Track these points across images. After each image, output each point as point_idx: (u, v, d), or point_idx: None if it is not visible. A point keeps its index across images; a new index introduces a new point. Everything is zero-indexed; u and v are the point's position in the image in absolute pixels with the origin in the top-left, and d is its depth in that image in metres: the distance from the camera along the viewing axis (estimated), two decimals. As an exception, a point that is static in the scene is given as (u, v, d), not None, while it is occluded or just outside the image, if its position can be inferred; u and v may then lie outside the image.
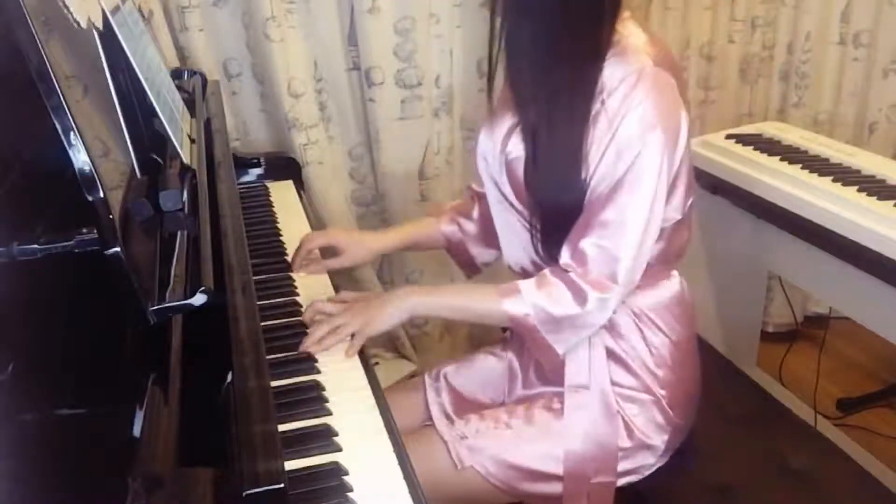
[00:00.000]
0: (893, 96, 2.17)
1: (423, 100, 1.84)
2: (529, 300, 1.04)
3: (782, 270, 1.85)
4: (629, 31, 1.05)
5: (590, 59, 1.03)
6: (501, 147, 1.12)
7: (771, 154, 1.63)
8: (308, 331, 1.09)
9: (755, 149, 1.66)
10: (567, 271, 1.04)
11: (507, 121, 1.12)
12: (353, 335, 1.08)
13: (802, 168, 1.55)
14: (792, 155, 1.61)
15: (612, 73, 1.02)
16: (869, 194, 1.41)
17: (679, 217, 1.11)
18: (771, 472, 1.18)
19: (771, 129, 1.78)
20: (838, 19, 2.09)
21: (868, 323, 1.53)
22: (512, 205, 1.14)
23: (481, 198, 1.31)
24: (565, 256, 1.05)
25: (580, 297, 1.02)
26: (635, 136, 1.00)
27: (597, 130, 1.02)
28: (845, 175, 1.50)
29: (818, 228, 1.44)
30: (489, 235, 1.31)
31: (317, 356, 1.06)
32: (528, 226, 1.13)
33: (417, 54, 1.79)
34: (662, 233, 1.09)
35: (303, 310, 1.16)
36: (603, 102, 1.02)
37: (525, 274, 1.20)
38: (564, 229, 1.06)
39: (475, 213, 1.33)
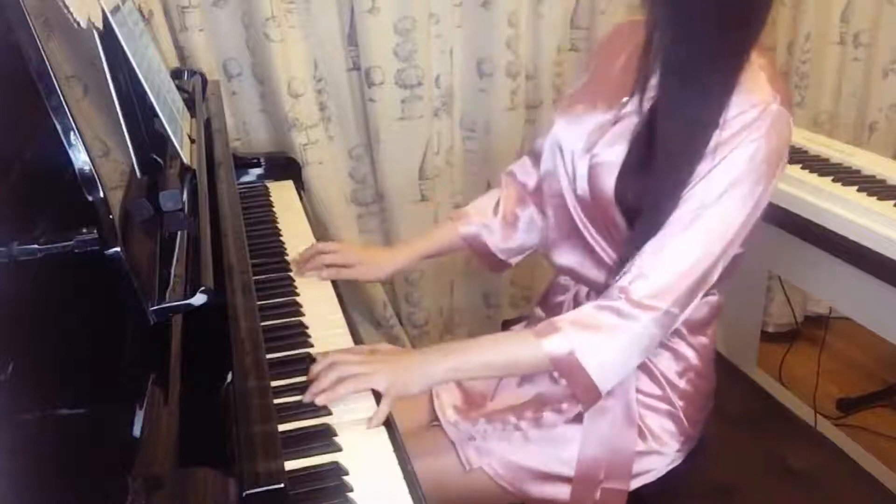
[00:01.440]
0: (893, 96, 2.17)
1: (423, 100, 1.84)
2: (573, 336, 0.97)
3: (782, 270, 1.85)
4: (759, 61, 0.99)
5: (730, 67, 0.97)
6: (587, 144, 1.06)
7: (771, 154, 1.63)
8: (313, 375, 0.97)
9: (755, 149, 1.66)
10: (615, 298, 0.98)
11: (597, 116, 1.07)
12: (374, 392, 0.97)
13: (802, 168, 1.55)
14: (792, 155, 1.61)
15: (737, 99, 0.96)
16: (869, 194, 1.41)
17: (741, 251, 1.05)
18: (771, 472, 1.18)
19: (771, 129, 1.78)
20: (838, 19, 2.09)
21: (868, 323, 1.53)
22: (572, 206, 1.10)
23: (513, 185, 1.28)
24: (626, 279, 0.98)
25: (628, 317, 0.96)
26: (736, 174, 0.94)
27: (710, 154, 0.96)
28: (845, 175, 1.50)
29: (818, 228, 1.44)
30: (510, 230, 1.27)
31: (317, 358, 1.01)
32: (585, 232, 1.09)
33: (417, 54, 1.79)
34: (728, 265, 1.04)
35: (306, 319, 1.14)
36: (729, 122, 0.96)
37: (569, 273, 1.18)
38: (640, 247, 1.00)
39: (497, 209, 1.28)
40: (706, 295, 1.10)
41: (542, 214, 1.24)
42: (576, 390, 1.00)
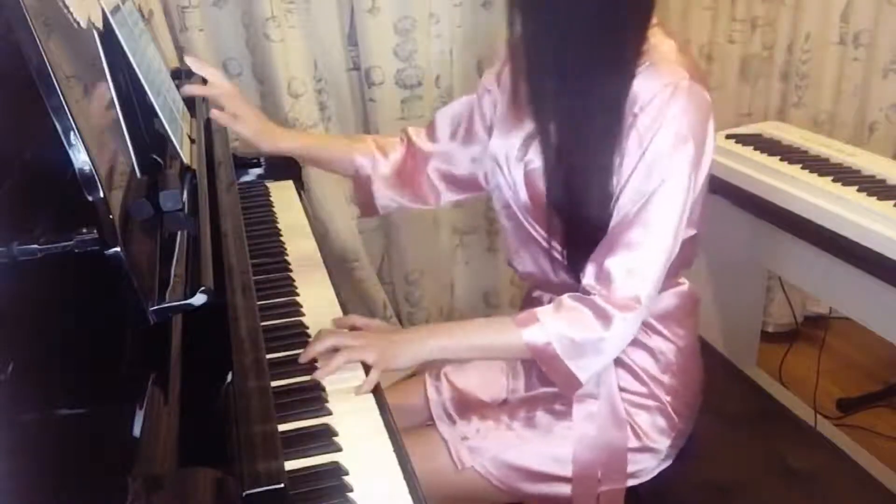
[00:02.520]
0: (893, 96, 2.17)
1: (423, 100, 1.84)
2: (551, 328, 1.00)
3: (782, 270, 1.85)
4: (659, 40, 1.01)
5: (620, 70, 0.98)
6: (520, 154, 1.09)
7: (771, 154, 1.63)
8: (310, 346, 1.02)
9: (755, 149, 1.66)
10: (589, 293, 1.01)
11: (527, 126, 1.09)
12: (363, 365, 1.01)
13: (802, 168, 1.55)
14: (792, 155, 1.61)
15: (646, 85, 0.97)
16: (869, 194, 1.41)
17: (694, 233, 1.09)
18: (771, 472, 1.18)
19: (771, 129, 1.78)
20: (838, 19, 2.09)
21: (868, 323, 1.53)
22: (522, 215, 1.12)
23: (411, 145, 1.27)
24: (589, 277, 1.01)
25: (605, 319, 0.99)
26: (666, 155, 0.96)
27: (628, 144, 0.98)
28: (845, 175, 1.50)
29: (818, 228, 1.44)
30: (400, 184, 1.26)
31: (320, 358, 1.03)
32: (539, 238, 1.11)
33: (417, 54, 1.79)
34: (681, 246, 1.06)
35: (306, 319, 1.14)
36: (635, 116, 0.97)
37: (531, 279, 1.20)
38: (590, 246, 1.03)
39: (396, 156, 1.27)
40: (673, 285, 1.13)
41: (429, 186, 1.26)
42: (555, 378, 1.03)
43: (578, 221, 1.04)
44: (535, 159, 1.07)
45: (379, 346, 1.01)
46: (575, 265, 1.07)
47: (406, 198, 1.27)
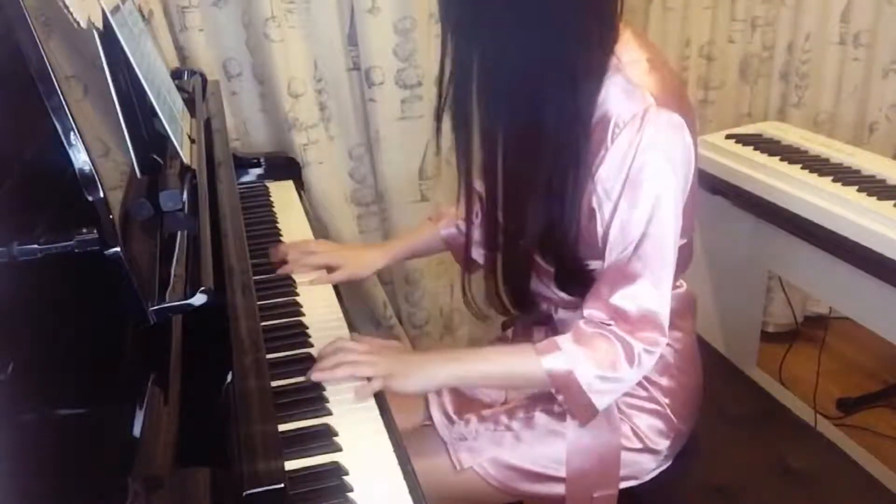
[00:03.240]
0: (893, 96, 2.17)
1: (423, 100, 1.84)
2: (573, 357, 0.98)
3: (782, 270, 1.85)
4: (628, 55, 0.96)
5: (582, 85, 0.93)
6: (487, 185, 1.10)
7: (771, 154, 1.63)
8: (319, 357, 1.02)
9: (755, 149, 1.66)
10: (607, 324, 0.99)
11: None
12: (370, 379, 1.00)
13: (802, 168, 1.55)
14: (792, 155, 1.61)
15: (620, 108, 0.93)
16: (869, 194, 1.41)
17: (686, 241, 1.09)
18: (771, 472, 1.18)
19: (771, 129, 1.78)
20: (838, 19, 2.09)
21: (868, 323, 1.53)
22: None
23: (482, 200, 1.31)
24: (601, 314, 0.99)
25: (632, 355, 0.97)
26: (649, 188, 0.93)
27: (604, 170, 0.95)
28: (845, 175, 1.50)
29: (818, 228, 1.44)
30: (489, 237, 1.30)
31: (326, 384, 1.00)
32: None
33: (417, 54, 1.79)
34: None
35: (306, 319, 1.14)
36: (607, 150, 0.94)
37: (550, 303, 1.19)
38: (582, 274, 1.03)
39: (476, 217, 1.29)
40: (672, 288, 1.12)
41: None
42: (572, 407, 1.02)
43: (571, 259, 1.03)
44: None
45: (389, 366, 1.00)
46: (570, 290, 1.08)
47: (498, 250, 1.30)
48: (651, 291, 0.97)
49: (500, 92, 0.98)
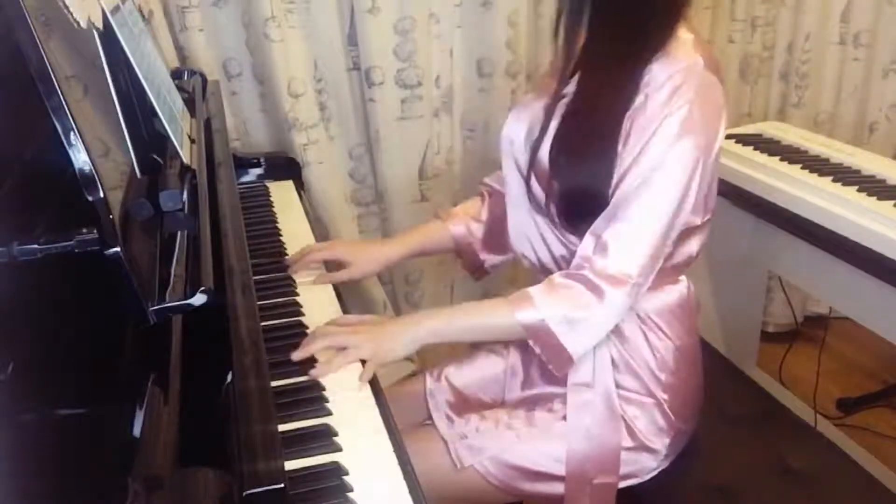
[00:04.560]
0: (893, 96, 2.17)
1: (423, 100, 1.84)
2: (543, 305, 1.02)
3: (782, 270, 1.85)
4: (680, 32, 1.05)
5: (642, 53, 1.02)
6: (530, 126, 1.11)
7: (771, 154, 1.63)
8: (305, 345, 1.04)
9: (755, 149, 1.66)
10: (582, 268, 1.02)
11: (543, 101, 1.11)
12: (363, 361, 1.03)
13: (802, 168, 1.55)
14: (792, 155, 1.61)
15: (660, 68, 1.00)
16: (869, 194, 1.41)
17: (697, 223, 1.10)
18: (771, 472, 1.18)
19: (771, 129, 1.78)
20: (838, 19, 2.09)
21: (868, 323, 1.53)
22: (531, 192, 1.13)
23: (492, 195, 1.31)
24: (586, 248, 1.03)
25: (596, 292, 1.01)
26: (673, 137, 0.98)
27: (636, 124, 1.00)
28: (845, 175, 1.50)
29: (818, 228, 1.44)
30: (496, 238, 1.30)
31: (317, 356, 1.04)
32: (543, 218, 1.12)
33: (417, 54, 1.79)
34: (683, 235, 1.08)
35: (306, 319, 1.14)
36: (647, 97, 1.00)
37: (531, 264, 1.20)
38: (583, 217, 1.05)
39: (483, 215, 1.32)
40: (676, 282, 1.14)
41: None
42: (547, 355, 1.04)
43: (577, 189, 1.06)
44: (549, 133, 1.08)
45: (373, 341, 1.04)
46: (570, 233, 1.09)
47: (503, 254, 1.32)
48: (639, 240, 1.00)
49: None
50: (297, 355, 1.02)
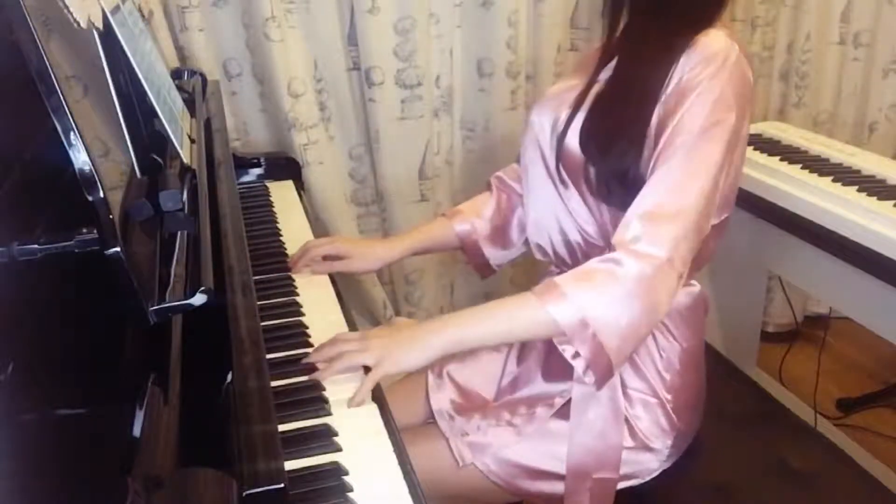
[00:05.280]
0: (893, 96, 2.17)
1: (423, 100, 1.84)
2: (576, 298, 0.93)
3: (782, 270, 1.85)
4: (718, 26, 1.05)
5: (681, 36, 1.02)
6: (556, 115, 1.11)
7: (771, 154, 1.63)
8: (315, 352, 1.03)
9: (755, 149, 1.66)
10: (613, 252, 0.96)
11: (574, 89, 1.11)
12: (366, 369, 0.98)
13: (802, 168, 1.55)
14: (792, 155, 1.61)
15: (698, 52, 1.00)
16: (869, 194, 1.41)
17: (716, 221, 1.08)
18: (771, 472, 1.18)
19: (771, 129, 1.78)
20: (838, 19, 2.09)
21: (868, 323, 1.53)
22: (559, 176, 1.12)
23: (502, 189, 1.31)
24: (620, 233, 0.97)
25: (620, 264, 0.94)
26: (705, 118, 0.97)
27: (670, 106, 0.99)
28: (845, 175, 1.50)
29: (818, 228, 1.44)
30: (501, 233, 1.30)
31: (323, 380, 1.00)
32: (565, 206, 1.13)
33: (417, 54, 1.79)
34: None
35: (306, 319, 1.14)
36: (681, 79, 1.00)
37: (545, 255, 1.20)
38: (617, 194, 1.03)
39: (490, 208, 1.31)
40: (687, 284, 1.14)
41: (519, 225, 1.29)
42: (585, 353, 0.95)
43: (607, 172, 1.04)
44: (578, 116, 1.07)
45: (381, 350, 0.98)
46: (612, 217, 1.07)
47: (511, 248, 1.32)
48: (669, 223, 0.95)
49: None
50: (307, 359, 1.01)
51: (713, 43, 1.01)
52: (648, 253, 0.94)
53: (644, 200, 0.98)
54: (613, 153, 1.03)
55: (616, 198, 1.04)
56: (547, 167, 1.15)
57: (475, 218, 1.31)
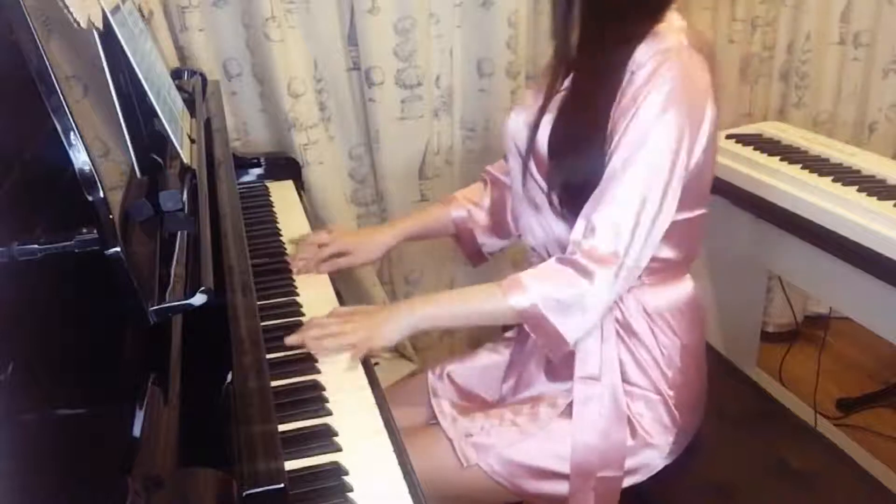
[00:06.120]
0: (893, 96, 2.17)
1: (423, 100, 1.84)
2: (535, 290, 1.03)
3: (782, 270, 1.85)
4: (671, 17, 1.06)
5: (631, 34, 1.03)
6: (535, 119, 1.12)
7: (771, 154, 1.63)
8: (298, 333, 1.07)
9: (755, 149, 1.66)
10: (573, 253, 1.03)
11: (541, 97, 1.12)
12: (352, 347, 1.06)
13: (802, 168, 1.55)
14: (792, 155, 1.61)
15: (646, 48, 1.02)
16: (869, 194, 1.41)
17: (703, 211, 1.11)
18: (771, 472, 1.18)
19: (771, 129, 1.78)
20: (838, 19, 2.09)
21: (868, 323, 1.53)
22: (534, 179, 1.14)
23: (495, 182, 1.33)
24: (577, 232, 1.04)
25: (586, 274, 1.01)
26: (655, 115, 0.99)
27: (622, 104, 1.01)
28: (845, 175, 1.50)
29: (818, 228, 1.44)
30: (498, 225, 1.32)
31: (317, 355, 1.05)
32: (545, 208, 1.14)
33: (417, 54, 1.79)
34: (683, 229, 1.09)
35: (306, 319, 1.14)
36: (632, 74, 1.01)
37: (547, 255, 1.20)
38: (582, 202, 1.05)
39: (486, 202, 1.33)
40: (677, 277, 1.15)
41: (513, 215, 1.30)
42: (543, 340, 1.05)
43: (574, 175, 1.07)
44: (547, 122, 1.09)
45: (365, 329, 1.06)
46: (570, 220, 1.10)
47: (505, 238, 1.34)
48: (626, 220, 1.00)
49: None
50: (290, 340, 1.05)
51: (663, 39, 1.02)
52: (609, 257, 1.01)
53: (601, 201, 1.02)
54: (580, 166, 1.06)
55: (579, 204, 1.07)
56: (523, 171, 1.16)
57: (471, 206, 1.33)
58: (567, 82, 1.11)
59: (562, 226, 1.13)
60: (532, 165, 1.14)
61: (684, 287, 1.16)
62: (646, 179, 1.00)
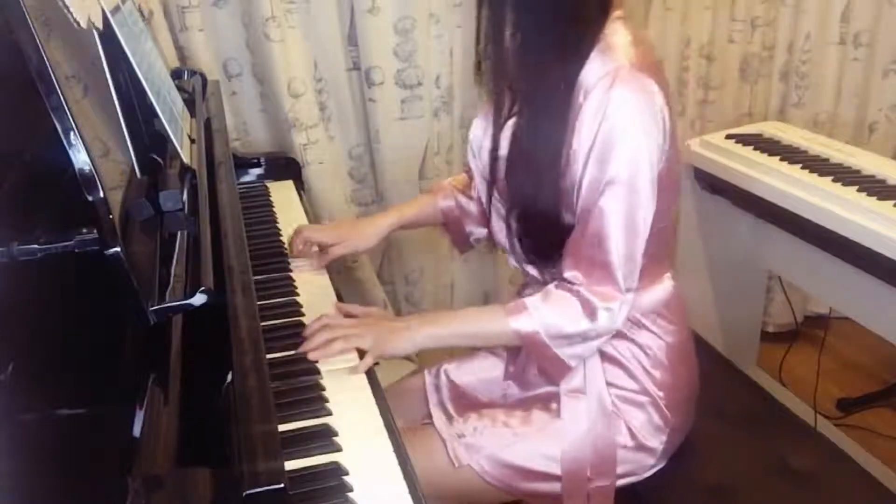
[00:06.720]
0: (893, 96, 2.17)
1: (423, 100, 1.84)
2: (538, 317, 1.04)
3: (782, 270, 1.85)
4: (613, 30, 1.03)
5: (572, 58, 1.01)
6: (493, 143, 1.11)
7: (771, 154, 1.63)
8: (307, 334, 1.08)
9: (755, 149, 1.66)
10: (573, 283, 1.04)
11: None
12: (359, 350, 1.06)
13: (802, 168, 1.55)
14: (792, 155, 1.61)
15: (592, 70, 1.00)
16: (869, 194, 1.41)
17: (664, 225, 1.10)
18: (771, 472, 1.18)
19: (771, 129, 1.78)
20: (838, 19, 2.09)
21: (868, 323, 1.53)
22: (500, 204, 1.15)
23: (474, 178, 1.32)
24: (569, 270, 1.05)
25: (589, 309, 1.03)
26: (614, 145, 0.97)
27: (580, 133, 1.00)
28: (845, 175, 1.50)
29: (818, 228, 1.44)
30: (484, 214, 1.30)
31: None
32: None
33: (417, 54, 1.79)
34: (659, 238, 1.08)
35: (306, 319, 1.14)
36: (580, 105, 0.99)
37: (524, 276, 1.21)
38: (539, 234, 1.08)
39: (473, 191, 1.33)
40: (659, 281, 1.15)
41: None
42: (543, 364, 1.08)
43: (530, 206, 1.07)
44: (502, 146, 1.10)
45: (375, 334, 1.07)
46: (529, 252, 1.12)
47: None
48: (613, 254, 1.01)
49: (523, 60, 1.04)
50: (302, 348, 1.05)
51: (605, 58, 0.99)
52: (611, 293, 1.03)
53: (584, 239, 1.02)
54: (537, 198, 1.06)
55: (543, 248, 1.09)
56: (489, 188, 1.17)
57: (459, 195, 1.34)
58: (515, 108, 1.08)
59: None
60: (496, 194, 1.15)
61: (664, 288, 1.16)
62: (617, 209, 1.00)
